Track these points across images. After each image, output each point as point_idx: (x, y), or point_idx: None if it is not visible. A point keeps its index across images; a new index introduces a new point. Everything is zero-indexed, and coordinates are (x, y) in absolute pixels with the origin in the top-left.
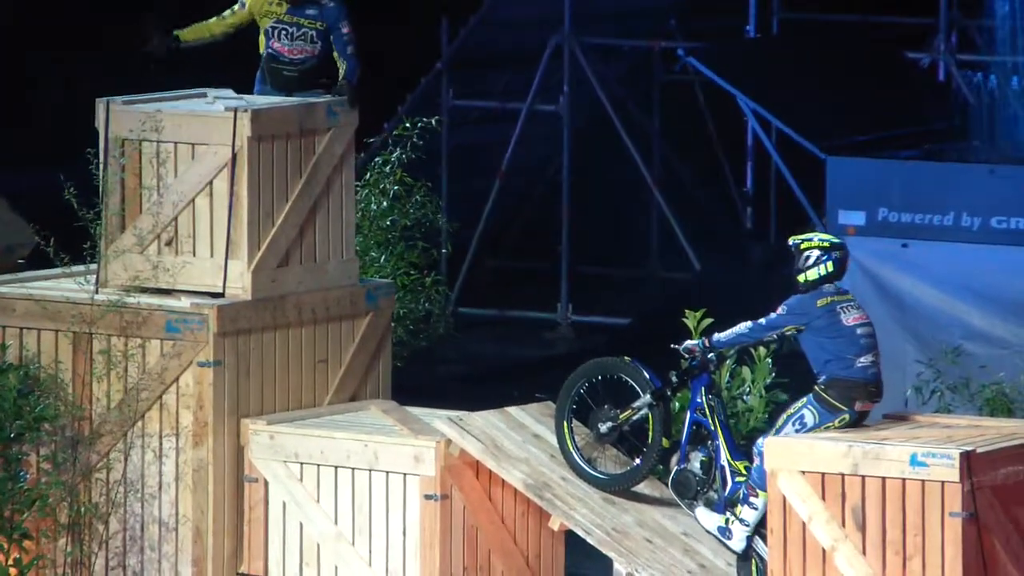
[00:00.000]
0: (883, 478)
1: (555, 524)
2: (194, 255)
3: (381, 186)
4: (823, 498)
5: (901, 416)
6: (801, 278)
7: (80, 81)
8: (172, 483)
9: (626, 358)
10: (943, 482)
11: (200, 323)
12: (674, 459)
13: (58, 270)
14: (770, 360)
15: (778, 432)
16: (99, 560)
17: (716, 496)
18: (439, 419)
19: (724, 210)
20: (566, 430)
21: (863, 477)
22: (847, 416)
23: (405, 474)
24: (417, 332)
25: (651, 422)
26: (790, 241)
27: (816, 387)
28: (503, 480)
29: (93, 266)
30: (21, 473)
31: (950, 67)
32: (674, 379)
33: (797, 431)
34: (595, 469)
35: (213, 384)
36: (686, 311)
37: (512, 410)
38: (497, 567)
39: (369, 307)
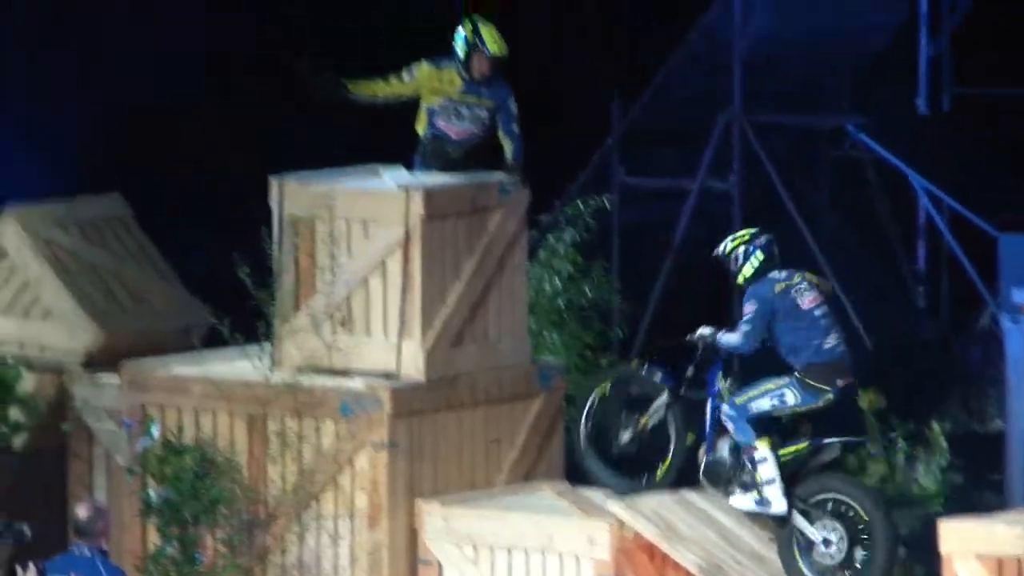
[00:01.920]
0: None
1: None
2: (368, 335)
3: (555, 266)
4: None
5: None
6: (740, 279)
7: (250, 162)
8: (347, 566)
9: (634, 363)
10: None
11: (375, 404)
12: (702, 451)
13: (233, 350)
14: (945, 441)
15: (751, 399)
16: None
17: (749, 478)
18: (612, 500)
19: (895, 288)
20: (589, 445)
21: None
22: (831, 395)
23: (579, 556)
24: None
25: (673, 421)
26: (715, 253)
27: (796, 373)
28: (676, 562)
29: (267, 346)
30: (198, 556)
31: None
32: (689, 373)
33: (773, 407)
34: (625, 477)
35: (388, 465)
36: (858, 391)
37: (685, 491)
38: None
39: (542, 387)
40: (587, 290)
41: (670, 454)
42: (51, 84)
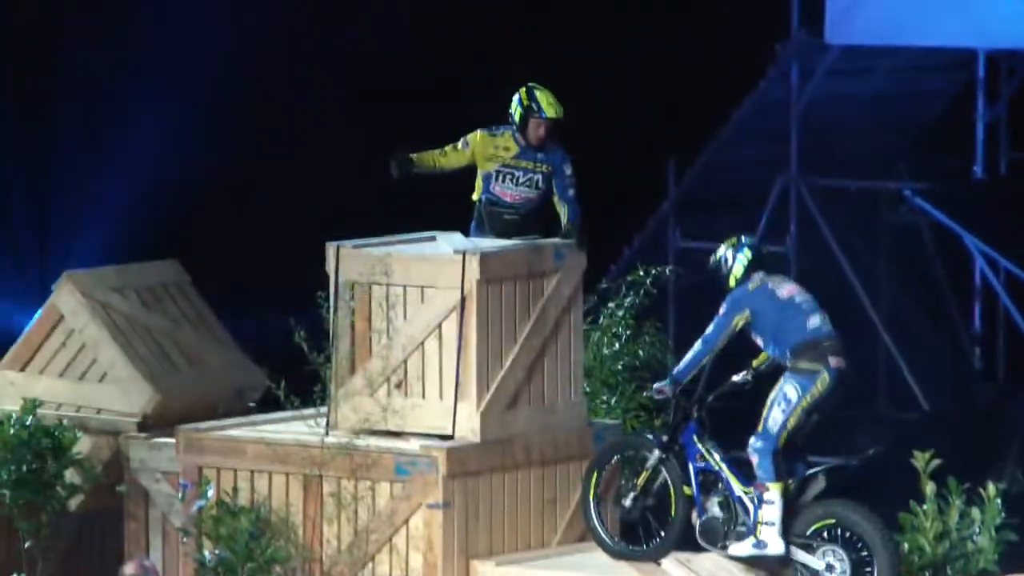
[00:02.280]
0: None
1: None
2: (423, 398)
3: (614, 331)
4: None
5: None
6: (732, 281)
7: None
8: None
9: (628, 430)
10: None
11: (429, 465)
12: (693, 514)
13: (288, 413)
14: (1000, 500)
15: (766, 420)
16: None
17: (745, 528)
18: (668, 560)
19: (952, 350)
20: (593, 515)
21: None
22: (826, 374)
23: None
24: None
25: (668, 476)
26: (709, 266)
27: (787, 365)
28: None
29: (323, 409)
30: None
31: None
32: (665, 438)
33: (784, 411)
34: (635, 545)
35: (443, 526)
36: (914, 452)
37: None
38: None
39: (597, 448)
40: (639, 351)
41: (673, 512)
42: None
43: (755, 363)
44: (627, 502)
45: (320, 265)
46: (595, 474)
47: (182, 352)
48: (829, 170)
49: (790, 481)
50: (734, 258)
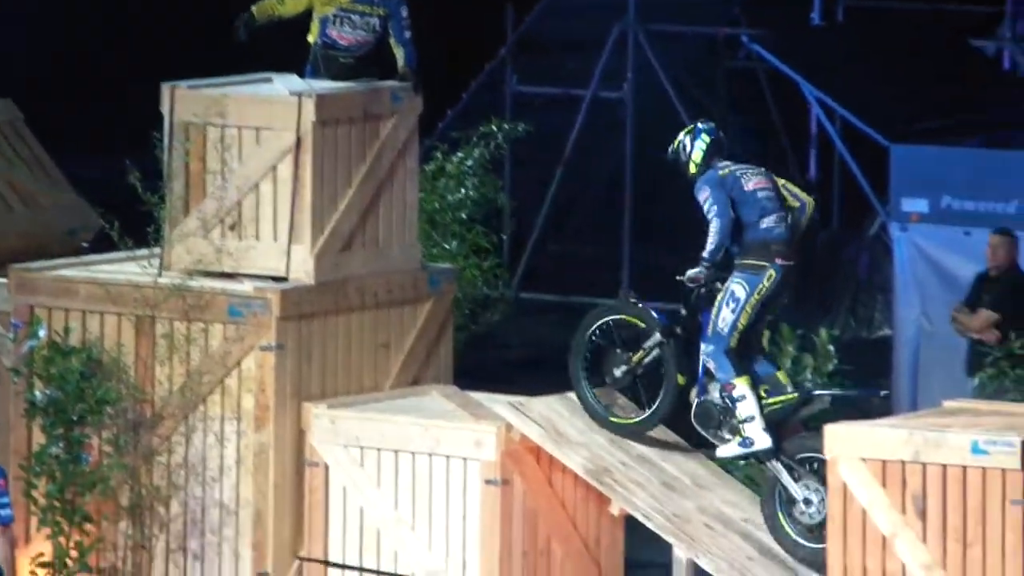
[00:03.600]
0: (944, 465)
1: (615, 509)
2: (257, 239)
3: (462, 180)
4: (884, 485)
5: (963, 404)
6: (692, 167)
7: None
8: (233, 467)
9: (632, 299)
10: (1004, 469)
11: (263, 307)
12: (693, 392)
13: (122, 254)
14: (833, 347)
15: (716, 322)
16: (159, 543)
17: (736, 421)
18: (500, 404)
19: None
20: (582, 380)
21: (924, 464)
22: (773, 271)
23: (466, 459)
24: (475, 316)
25: (664, 360)
26: (667, 156)
27: (735, 262)
28: (563, 465)
29: (157, 250)
30: (83, 456)
31: (1015, 55)
32: (683, 312)
33: (733, 310)
34: (615, 415)
35: (275, 368)
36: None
37: (572, 395)
38: (557, 552)
39: (431, 291)
40: (471, 193)
41: (660, 393)
42: None
43: None
44: (617, 372)
45: (157, 105)
46: (588, 333)
47: (15, 191)
48: (666, 16)
49: (764, 386)
50: (692, 145)
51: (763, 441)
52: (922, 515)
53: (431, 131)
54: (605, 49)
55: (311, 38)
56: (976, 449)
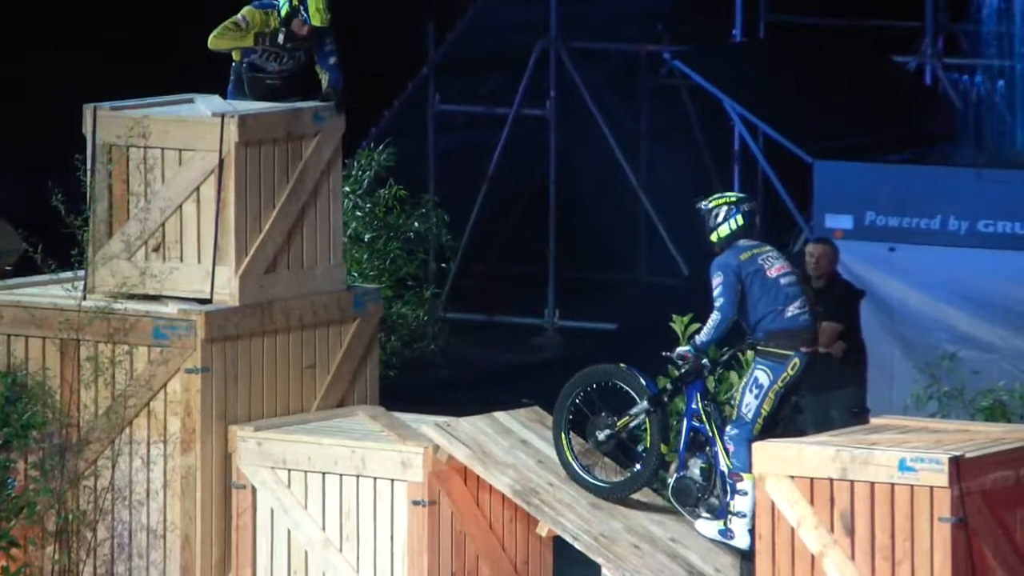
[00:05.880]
0: (872, 483)
1: (543, 530)
2: (181, 261)
3: (377, 199)
4: (812, 503)
5: (890, 421)
6: (714, 237)
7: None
8: (160, 490)
9: (622, 365)
10: (932, 487)
11: (188, 329)
12: (673, 467)
13: (46, 277)
14: None
15: (740, 407)
16: (87, 568)
17: (717, 502)
18: (427, 425)
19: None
20: (564, 439)
21: (852, 482)
22: (797, 360)
23: (393, 480)
24: (412, 343)
25: (649, 428)
26: (699, 205)
27: (758, 348)
28: (491, 486)
29: (81, 273)
30: (9, 480)
31: (937, 70)
32: (669, 386)
33: (757, 396)
34: (595, 477)
35: (201, 390)
36: (674, 316)
37: (500, 415)
38: (485, 573)
39: (357, 312)
40: (416, 223)
41: (642, 462)
42: None
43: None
44: (600, 435)
45: (79, 127)
46: (573, 394)
47: None
48: (589, 33)
49: None
50: (725, 218)
51: (742, 542)
52: (850, 533)
53: (354, 151)
54: (528, 67)
55: (236, 57)
56: (904, 467)
